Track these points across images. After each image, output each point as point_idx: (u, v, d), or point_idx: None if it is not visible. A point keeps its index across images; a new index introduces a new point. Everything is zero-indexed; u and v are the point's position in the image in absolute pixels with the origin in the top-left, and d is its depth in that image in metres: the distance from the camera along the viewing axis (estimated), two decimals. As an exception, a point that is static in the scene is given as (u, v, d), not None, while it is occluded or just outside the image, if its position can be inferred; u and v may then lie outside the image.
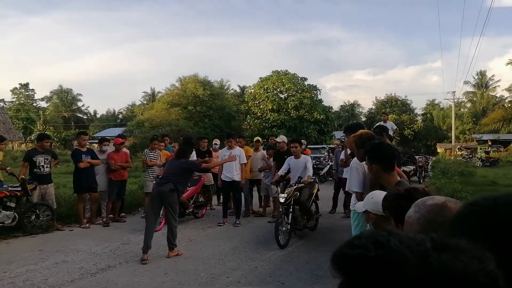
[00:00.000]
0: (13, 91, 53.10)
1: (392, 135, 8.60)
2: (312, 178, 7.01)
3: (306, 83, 29.91)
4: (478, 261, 0.56)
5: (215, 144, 10.10)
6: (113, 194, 7.90)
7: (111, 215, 7.95)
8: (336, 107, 55.74)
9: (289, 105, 28.29)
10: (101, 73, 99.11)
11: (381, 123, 10.14)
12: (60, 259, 5.26)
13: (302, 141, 11.53)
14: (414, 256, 0.55)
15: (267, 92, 29.40)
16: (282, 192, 6.62)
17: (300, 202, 6.49)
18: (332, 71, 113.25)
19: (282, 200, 6.27)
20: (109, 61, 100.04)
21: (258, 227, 7.50)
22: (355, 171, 3.48)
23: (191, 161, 6.15)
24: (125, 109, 59.75)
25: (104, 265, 5.01)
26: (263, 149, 9.45)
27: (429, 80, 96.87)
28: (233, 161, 7.66)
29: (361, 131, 3.70)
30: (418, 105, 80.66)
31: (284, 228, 6.04)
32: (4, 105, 46.47)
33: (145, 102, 51.07)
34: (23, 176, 6.75)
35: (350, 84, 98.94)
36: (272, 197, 8.61)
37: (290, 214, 6.20)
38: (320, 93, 30.34)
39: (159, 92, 49.20)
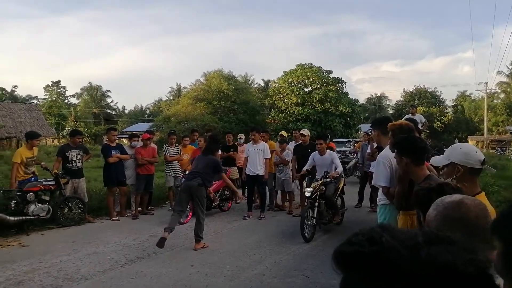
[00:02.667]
0: (46, 88, 55.15)
1: (420, 128, 8.38)
2: (338, 174, 6.96)
3: (331, 76, 29.49)
4: (468, 252, 0.58)
5: (240, 138, 10.16)
6: (140, 188, 8.11)
7: (140, 208, 8.17)
8: (362, 100, 54.76)
9: (314, 98, 28.00)
10: (129, 70, 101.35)
11: (410, 115, 9.88)
12: (91, 250, 5.46)
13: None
14: (405, 250, 0.57)
15: (291, 86, 29.19)
16: (308, 186, 6.60)
17: (326, 196, 6.45)
18: (358, 63, 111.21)
19: (308, 194, 6.27)
20: (136, 58, 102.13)
21: (282, 221, 7.52)
22: (382, 165, 3.41)
23: (217, 162, 6.26)
24: (152, 104, 60.87)
25: (133, 256, 5.17)
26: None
27: (460, 71, 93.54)
28: (257, 156, 7.70)
29: (401, 121, 3.62)
30: (448, 96, 78.15)
31: (309, 222, 6.03)
32: (38, 102, 48.25)
33: (171, 98, 51.81)
34: (56, 171, 7.02)
35: (376, 76, 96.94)
36: (287, 191, 8.59)
37: (316, 208, 6.18)
38: (345, 86, 29.87)
39: (184, 88, 49.83)
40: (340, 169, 6.94)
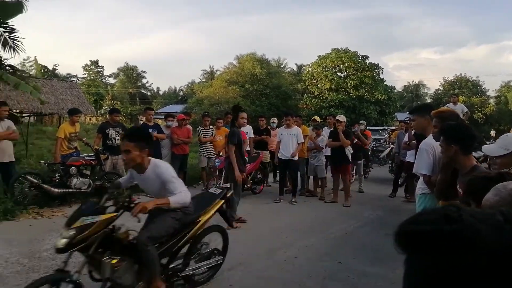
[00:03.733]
0: (85, 67, 57.04)
1: (462, 118, 8.05)
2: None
3: (367, 61, 28.71)
4: None
5: (273, 122, 10.16)
6: (175, 167, 8.30)
7: (174, 187, 8.38)
8: (399, 87, 53.06)
9: (349, 84, 27.42)
10: (164, 52, 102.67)
11: (450, 105, 9.50)
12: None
13: (361, 122, 11.25)
14: (488, 229, 0.55)
15: (325, 71, 28.68)
16: None
17: None
18: (396, 49, 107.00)
19: None
20: (171, 40, 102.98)
21: (314, 206, 7.52)
22: (425, 153, 3.33)
23: (231, 132, 6.09)
24: (185, 86, 61.65)
25: (169, 232, 5.35)
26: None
27: (505, 59, 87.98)
28: (291, 140, 7.66)
29: (447, 108, 3.51)
30: (491, 86, 74.13)
31: None
32: (78, 80, 50.05)
33: (204, 80, 52.26)
34: (96, 147, 7.32)
35: (415, 63, 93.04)
36: (320, 177, 8.54)
37: None
38: (382, 72, 28.99)
39: (217, 70, 50.04)
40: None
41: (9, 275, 3.61)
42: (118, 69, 58.91)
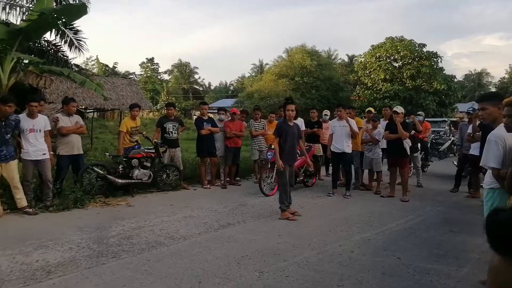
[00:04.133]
0: (141, 65, 59.79)
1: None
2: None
3: (424, 50, 27.21)
4: None
5: (325, 115, 10.00)
6: (229, 159, 8.50)
7: (228, 179, 8.60)
8: (459, 76, 49.84)
9: (404, 74, 26.20)
10: (214, 47, 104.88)
11: (520, 93, 8.74)
12: (187, 214, 5.93)
13: (420, 113, 10.71)
14: None
15: (379, 61, 27.61)
16: None
17: None
18: (456, 36, 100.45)
19: None
20: (221, 35, 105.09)
21: (369, 201, 7.32)
22: (494, 144, 3.11)
23: (277, 125, 6.19)
24: (235, 81, 62.54)
25: (224, 222, 5.49)
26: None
27: None
28: (344, 132, 7.49)
29: None
30: None
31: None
32: (135, 77, 52.61)
33: (253, 74, 52.60)
34: (156, 140, 7.67)
35: (477, 51, 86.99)
36: (376, 171, 8.25)
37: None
38: (441, 61, 27.35)
39: (266, 64, 50.15)
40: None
41: (81, 259, 3.91)
42: (172, 65, 61.14)
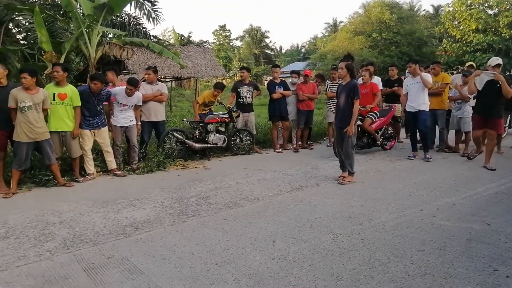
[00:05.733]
0: (214, 32, 60.77)
1: None
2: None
3: (527, -9, 23.46)
4: None
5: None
6: (301, 123, 8.38)
7: (300, 143, 8.53)
8: None
9: (501, 22, 22.97)
10: (284, 8, 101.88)
11: None
12: (261, 176, 6.03)
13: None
14: None
15: (470, 9, 24.50)
16: None
17: None
18: None
19: None
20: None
21: (455, 163, 6.76)
22: None
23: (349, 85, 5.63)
24: (307, 42, 60.76)
25: (297, 185, 5.49)
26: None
27: None
28: (419, 90, 6.86)
29: None
30: None
31: None
32: (209, 46, 53.86)
33: (327, 34, 50.48)
34: (229, 105, 7.81)
35: None
36: (464, 131, 7.48)
37: None
38: (549, 4, 23.43)
39: (341, 22, 47.64)
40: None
41: (164, 216, 4.22)
42: (243, 31, 61.15)
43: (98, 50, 10.55)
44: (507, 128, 8.58)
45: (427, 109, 7.03)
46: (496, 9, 24.25)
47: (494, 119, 6.32)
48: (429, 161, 6.92)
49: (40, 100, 5.16)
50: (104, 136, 6.07)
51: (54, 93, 5.47)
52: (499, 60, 6.44)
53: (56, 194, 5.14)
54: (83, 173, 5.96)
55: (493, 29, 23.70)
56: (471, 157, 6.92)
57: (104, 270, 3.00)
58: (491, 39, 23.14)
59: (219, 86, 7.86)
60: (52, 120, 5.48)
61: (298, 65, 37.52)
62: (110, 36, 14.95)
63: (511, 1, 23.27)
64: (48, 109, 5.35)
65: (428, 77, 7.01)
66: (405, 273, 2.89)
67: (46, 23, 10.52)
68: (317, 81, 8.91)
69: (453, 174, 6.01)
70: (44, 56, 9.50)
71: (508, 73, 7.74)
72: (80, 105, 5.67)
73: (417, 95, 6.99)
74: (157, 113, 6.98)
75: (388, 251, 3.27)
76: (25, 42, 12.37)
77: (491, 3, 24.31)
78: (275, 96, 8.06)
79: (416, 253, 3.23)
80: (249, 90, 8.05)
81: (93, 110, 5.90)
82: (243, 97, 7.99)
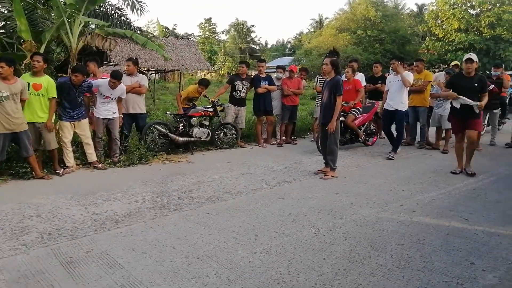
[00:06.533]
0: (199, 26, 60.12)
1: None
2: None
3: (508, -7, 24.00)
4: None
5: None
6: (285, 117, 8.39)
7: (284, 137, 8.54)
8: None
9: (482, 22, 23.45)
10: (271, 2, 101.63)
11: None
12: (244, 171, 6.02)
13: (497, 62, 9.58)
14: None
15: (453, 8, 24.93)
16: None
17: None
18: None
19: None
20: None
21: (435, 160, 6.89)
22: None
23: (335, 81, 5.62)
24: (293, 38, 60.84)
25: (280, 179, 5.50)
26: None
27: None
28: (399, 88, 6.85)
29: None
30: None
31: None
32: (194, 39, 53.31)
33: (312, 30, 50.62)
34: (213, 99, 7.75)
35: None
36: (444, 128, 7.63)
37: None
38: (528, 5, 24.02)
39: (326, 18, 47.89)
40: None
41: (145, 210, 4.17)
42: (229, 25, 60.76)
43: (79, 40, 10.31)
44: (485, 126, 8.78)
45: (404, 109, 6.99)
46: (478, 9, 24.74)
47: (473, 120, 5.90)
48: (392, 159, 6.85)
49: (18, 90, 5.01)
50: (84, 128, 5.94)
51: (29, 83, 5.30)
52: (472, 56, 6.05)
53: (34, 187, 5.02)
54: (63, 165, 5.83)
55: (474, 29, 24.19)
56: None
57: (82, 265, 2.94)
58: (473, 38, 23.61)
59: (204, 83, 7.78)
60: (26, 111, 5.32)
61: (284, 61, 37.47)
62: (93, 26, 14.59)
63: (493, 2, 23.76)
64: (26, 100, 5.20)
65: (410, 76, 6.95)
66: (385, 266, 2.93)
67: (25, 12, 10.21)
68: (302, 74, 8.91)
69: (433, 169, 6.13)
70: (23, 46, 9.23)
71: (487, 72, 7.87)
72: (55, 96, 5.51)
73: (395, 94, 6.94)
74: (135, 105, 6.83)
75: (368, 245, 3.31)
76: (4, 31, 11.98)
77: (473, 3, 24.77)
78: (260, 90, 8.04)
79: (396, 247, 3.28)
80: (245, 86, 8.01)
81: (74, 102, 5.77)
82: (238, 91, 7.96)
